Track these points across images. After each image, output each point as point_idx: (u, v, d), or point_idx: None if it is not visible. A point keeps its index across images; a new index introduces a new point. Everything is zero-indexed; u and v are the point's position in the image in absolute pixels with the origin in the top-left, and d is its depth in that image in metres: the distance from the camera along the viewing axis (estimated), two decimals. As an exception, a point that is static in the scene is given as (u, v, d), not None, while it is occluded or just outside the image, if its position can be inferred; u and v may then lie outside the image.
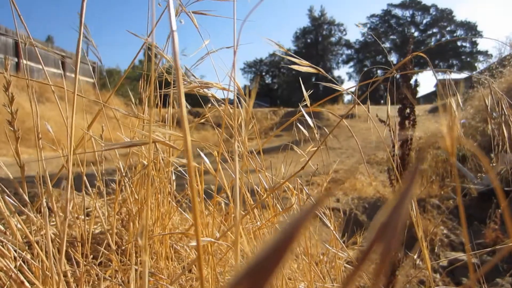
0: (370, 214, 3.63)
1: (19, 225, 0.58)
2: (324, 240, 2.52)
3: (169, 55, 0.74)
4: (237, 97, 0.68)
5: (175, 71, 0.22)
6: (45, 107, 8.67)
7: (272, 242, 0.12)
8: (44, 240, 0.51)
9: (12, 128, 0.60)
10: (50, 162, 0.91)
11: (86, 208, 1.18)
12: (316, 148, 0.69)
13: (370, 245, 0.12)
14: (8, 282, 0.47)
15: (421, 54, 0.76)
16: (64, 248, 0.49)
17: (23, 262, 0.54)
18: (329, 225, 0.79)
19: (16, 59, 11.08)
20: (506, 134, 0.69)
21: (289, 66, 0.63)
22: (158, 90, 0.75)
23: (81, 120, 0.86)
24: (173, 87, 0.76)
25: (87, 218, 1.05)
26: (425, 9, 41.60)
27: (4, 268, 0.48)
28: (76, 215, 0.88)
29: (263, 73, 46.16)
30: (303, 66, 0.62)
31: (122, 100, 9.56)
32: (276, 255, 0.11)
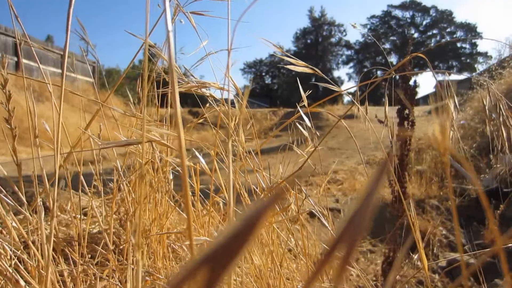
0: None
1: (15, 224, 0.58)
2: (323, 240, 2.52)
3: (166, 55, 0.74)
4: (235, 96, 0.68)
5: (170, 69, 0.22)
6: (44, 106, 8.66)
7: (232, 231, 0.12)
8: (40, 240, 0.51)
9: (9, 126, 0.60)
10: (48, 161, 0.91)
11: (84, 208, 1.18)
12: (314, 149, 0.69)
13: (338, 239, 0.11)
14: (3, 281, 0.47)
15: (421, 55, 0.76)
16: (51, 246, 0.49)
17: (20, 261, 0.54)
18: (327, 225, 0.79)
19: (15, 58, 11.07)
20: (505, 135, 0.69)
21: (285, 66, 0.63)
22: (155, 90, 0.75)
23: (80, 120, 0.86)
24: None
25: (85, 217, 1.05)
26: (425, 10, 41.64)
27: (0, 268, 0.48)
28: (73, 215, 0.88)
29: (263, 74, 46.16)
30: (299, 66, 0.62)
31: (122, 100, 9.56)
32: (236, 244, 0.11)
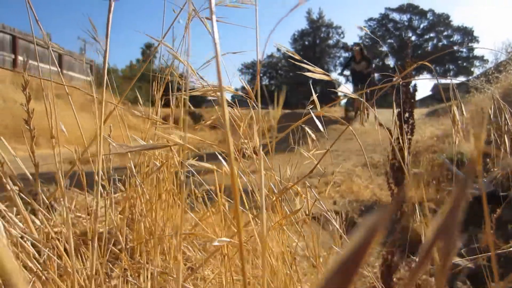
0: (366, 217, 3.65)
1: (38, 222, 0.59)
2: (321, 242, 2.53)
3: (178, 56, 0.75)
4: (247, 99, 0.70)
5: (219, 87, 0.23)
6: (42, 104, 8.60)
7: (352, 245, 0.13)
8: (61, 238, 0.52)
9: (28, 127, 0.61)
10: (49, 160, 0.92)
11: (91, 207, 1.18)
12: (325, 152, 0.70)
13: (432, 242, 0.13)
14: (33, 279, 0.48)
15: (425, 63, 0.78)
16: (96, 244, 0.50)
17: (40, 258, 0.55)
18: (335, 224, 0.81)
19: (13, 56, 11.00)
20: (508, 143, 0.71)
21: (304, 73, 0.64)
22: (171, 93, 0.77)
23: (81, 119, 0.87)
24: (179, 90, 0.78)
25: (93, 217, 1.05)
26: (422, 13, 41.90)
27: (29, 266, 0.49)
28: (85, 214, 0.89)
29: (261, 75, 46.10)
30: (317, 74, 0.63)
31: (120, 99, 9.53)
32: (357, 256, 0.13)
